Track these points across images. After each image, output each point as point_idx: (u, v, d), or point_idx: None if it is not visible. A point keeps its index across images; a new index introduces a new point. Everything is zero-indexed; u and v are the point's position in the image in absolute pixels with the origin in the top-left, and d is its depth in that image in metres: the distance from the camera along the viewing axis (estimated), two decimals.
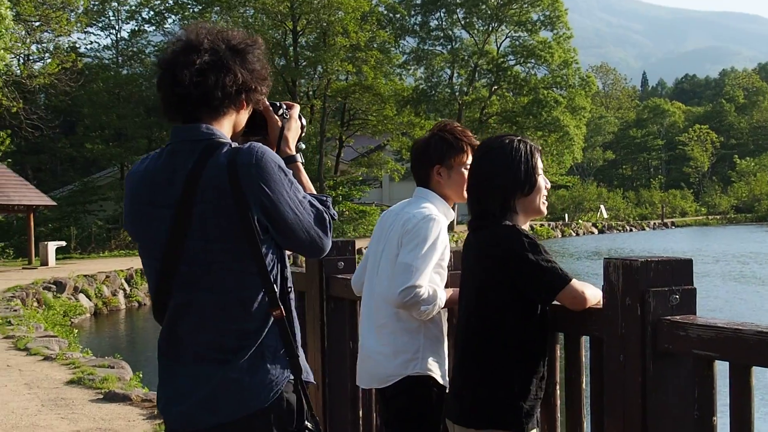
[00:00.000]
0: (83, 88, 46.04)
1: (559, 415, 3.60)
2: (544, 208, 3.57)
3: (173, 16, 52.24)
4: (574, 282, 3.31)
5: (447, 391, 3.94)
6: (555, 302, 3.38)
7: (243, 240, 2.92)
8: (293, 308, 3.10)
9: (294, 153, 3.33)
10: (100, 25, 55.82)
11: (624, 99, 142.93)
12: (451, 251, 4.04)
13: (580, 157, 72.19)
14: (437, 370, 4.00)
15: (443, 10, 61.99)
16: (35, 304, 23.37)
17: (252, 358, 2.96)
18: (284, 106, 3.40)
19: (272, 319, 3.00)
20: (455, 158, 4.09)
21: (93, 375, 11.31)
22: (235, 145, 3.01)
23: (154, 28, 53.98)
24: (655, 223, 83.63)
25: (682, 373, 3.01)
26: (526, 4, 60.17)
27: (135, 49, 55.95)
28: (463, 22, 62.22)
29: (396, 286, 3.83)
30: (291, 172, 3.05)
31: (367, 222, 52.97)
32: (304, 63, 51.86)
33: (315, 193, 3.18)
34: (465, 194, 4.09)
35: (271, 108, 3.34)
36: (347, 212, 54.67)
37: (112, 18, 56.22)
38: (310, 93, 54.27)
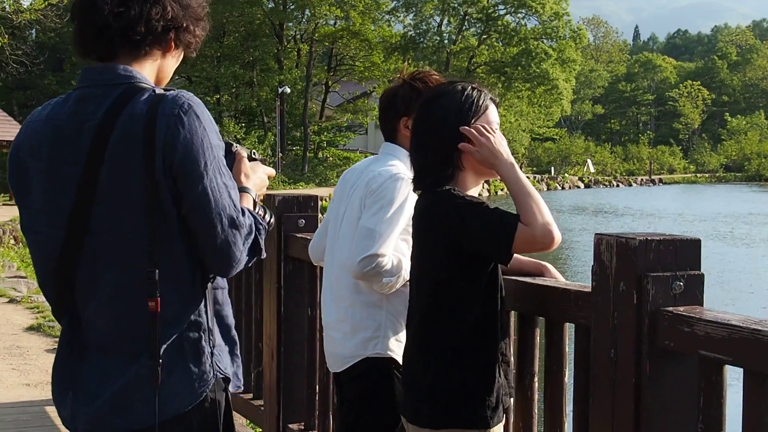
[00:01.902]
0: (70, 24, 45.47)
1: (536, 410, 3.13)
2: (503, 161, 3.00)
3: None
4: (522, 225, 2.76)
5: None
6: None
7: (155, 208, 2.41)
8: (220, 296, 2.62)
9: (248, 186, 2.73)
10: None
11: (615, 53, 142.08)
12: None
13: (568, 109, 71.76)
14: (400, 351, 3.47)
15: None
16: (12, 241, 22.79)
17: (169, 352, 2.45)
18: (257, 158, 2.90)
19: (194, 306, 2.50)
20: None
21: (53, 322, 10.82)
22: (159, 91, 2.49)
23: None
24: (642, 180, 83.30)
25: (685, 377, 2.52)
26: None
27: None
28: None
29: (356, 253, 3.33)
30: (221, 147, 2.52)
31: None
32: (293, 6, 51.46)
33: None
34: None
35: (245, 156, 2.81)
36: (331, 158, 54.52)
37: None
38: (297, 37, 53.91)
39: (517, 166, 2.90)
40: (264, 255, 2.64)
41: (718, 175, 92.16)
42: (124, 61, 2.54)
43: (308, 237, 4.49)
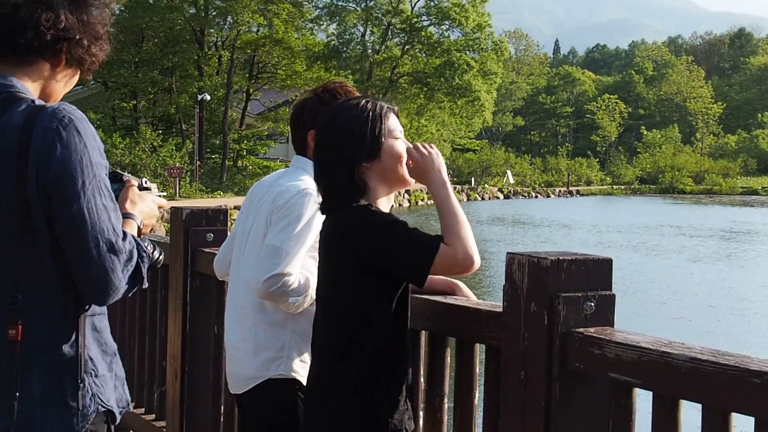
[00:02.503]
0: None
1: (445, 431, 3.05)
2: (407, 176, 2.91)
3: None
4: (443, 246, 2.70)
5: None
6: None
7: (26, 228, 2.25)
8: (98, 322, 2.46)
9: (133, 213, 2.58)
10: None
11: (535, 65, 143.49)
12: None
13: (490, 121, 72.28)
14: (304, 372, 3.35)
15: None
16: None
17: (43, 384, 2.29)
18: (149, 187, 2.76)
19: (66, 335, 2.32)
20: None
21: None
22: (39, 102, 2.34)
23: None
24: (560, 191, 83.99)
25: (595, 399, 2.47)
26: None
27: None
28: None
29: (261, 272, 3.21)
30: (103, 165, 2.35)
31: None
32: (214, 12, 50.96)
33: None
34: None
35: (135, 185, 2.67)
36: (250, 167, 54.09)
37: None
38: (219, 43, 53.41)
39: (449, 186, 2.83)
40: (146, 285, 2.47)
41: (633, 187, 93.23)
42: (6, 69, 2.38)
43: (216, 252, 4.34)
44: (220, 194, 45.20)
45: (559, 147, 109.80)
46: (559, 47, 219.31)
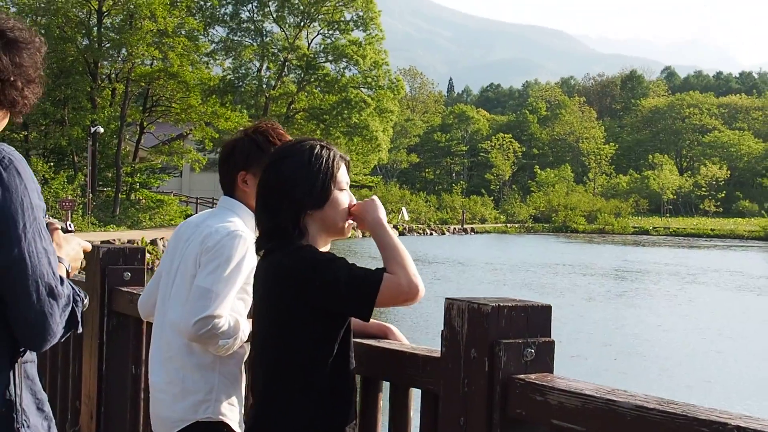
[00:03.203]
0: None
1: None
2: (345, 228, 2.95)
3: None
4: (386, 275, 2.73)
5: None
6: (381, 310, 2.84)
7: None
8: (30, 370, 2.42)
9: (60, 256, 2.58)
10: None
11: (430, 103, 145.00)
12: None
13: (386, 158, 72.65)
14: (233, 415, 3.36)
15: (256, 2, 61.38)
16: None
17: None
18: (72, 230, 2.78)
19: (10, 380, 2.30)
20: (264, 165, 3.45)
21: None
22: None
23: None
24: (455, 228, 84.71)
25: None
26: (339, 3, 60.24)
27: None
28: (274, 16, 61.71)
29: (190, 314, 3.17)
30: (42, 208, 2.35)
31: (164, 212, 52.74)
32: (108, 45, 50.50)
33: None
34: None
35: (59, 228, 2.68)
36: (144, 200, 53.56)
37: None
38: (113, 76, 52.88)
39: (386, 225, 2.88)
40: (80, 329, 2.46)
41: (527, 225, 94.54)
42: None
43: (134, 291, 4.28)
44: (113, 228, 44.58)
45: (453, 185, 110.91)
46: (453, 85, 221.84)
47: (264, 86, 61.40)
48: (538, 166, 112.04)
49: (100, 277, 4.36)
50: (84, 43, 50.20)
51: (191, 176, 68.75)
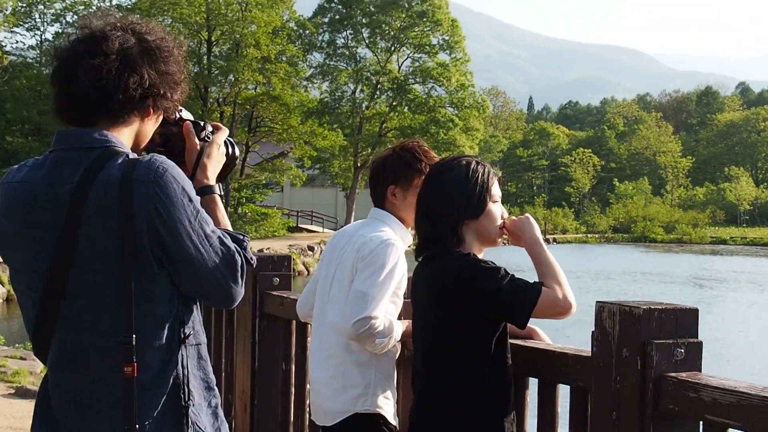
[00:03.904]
0: (7, 84, 45.82)
1: None
2: (497, 239, 3.05)
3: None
4: (545, 289, 2.80)
5: (399, 430, 3.47)
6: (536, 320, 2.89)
7: (133, 273, 2.30)
8: (203, 351, 2.51)
9: (212, 183, 2.66)
10: (26, 26, 55.75)
11: (512, 121, 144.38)
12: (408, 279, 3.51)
13: None
14: (388, 408, 3.47)
15: (350, 29, 61.87)
16: None
17: (150, 416, 2.35)
18: (210, 129, 2.76)
19: (173, 368, 2.39)
20: (412, 179, 3.53)
21: (4, 367, 10.45)
22: (133, 156, 2.39)
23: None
24: None
25: None
26: (427, 28, 60.42)
27: None
28: (367, 42, 62.12)
29: (349, 316, 3.28)
30: (198, 199, 2.43)
31: (268, 224, 54.01)
32: (217, 71, 51.61)
33: (231, 229, 2.56)
34: None
35: (192, 128, 2.71)
36: (250, 214, 54.47)
37: (37, 20, 56.21)
38: (221, 100, 53.91)
39: (542, 243, 2.96)
40: (254, 264, 2.56)
41: (606, 235, 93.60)
42: (102, 126, 2.44)
43: (283, 295, 4.41)
44: None
45: (535, 197, 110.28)
46: (533, 104, 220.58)
47: (358, 107, 61.79)
48: (616, 179, 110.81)
49: (252, 283, 4.49)
50: (195, 70, 51.32)
51: (291, 191, 69.55)
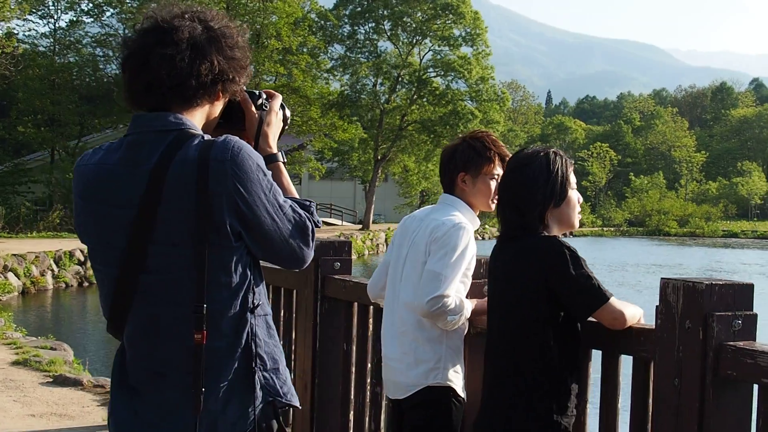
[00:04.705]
0: (19, 73, 44.95)
1: None
2: (576, 222, 3.28)
3: (111, 9, 51.03)
4: (614, 300, 3.02)
5: (467, 402, 3.70)
6: (591, 319, 3.09)
7: (211, 247, 2.44)
8: (267, 324, 2.64)
9: (275, 151, 2.79)
10: (39, 13, 54.48)
11: (530, 115, 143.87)
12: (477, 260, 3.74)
13: None
14: (457, 381, 3.70)
15: (371, 22, 61.72)
16: None
17: (225, 382, 2.50)
18: (264, 96, 2.86)
19: (245, 335, 2.52)
20: (481, 167, 3.77)
21: (39, 357, 10.68)
22: (208, 137, 2.52)
23: (91, 20, 52.52)
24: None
25: (743, 403, 2.75)
26: (449, 21, 60.13)
27: (72, 39, 54.00)
28: (389, 34, 61.95)
29: (424, 294, 3.51)
30: (270, 172, 2.57)
31: None
32: None
33: (297, 197, 2.70)
34: (490, 204, 3.80)
35: (249, 98, 2.81)
36: None
37: (51, 7, 54.92)
38: None
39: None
40: (320, 224, 2.70)
41: (622, 229, 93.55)
42: (176, 110, 2.55)
43: (345, 278, 4.62)
44: None
45: None
46: (551, 98, 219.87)
47: (378, 100, 61.72)
48: (632, 174, 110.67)
49: (314, 267, 4.70)
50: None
51: (309, 184, 69.51)
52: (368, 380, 4.57)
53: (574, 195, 3.26)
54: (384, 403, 4.48)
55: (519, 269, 3.12)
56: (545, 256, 3.04)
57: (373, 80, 62.86)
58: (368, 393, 4.57)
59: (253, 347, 2.54)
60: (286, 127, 2.93)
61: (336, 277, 4.68)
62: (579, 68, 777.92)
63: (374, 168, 60.15)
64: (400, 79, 61.36)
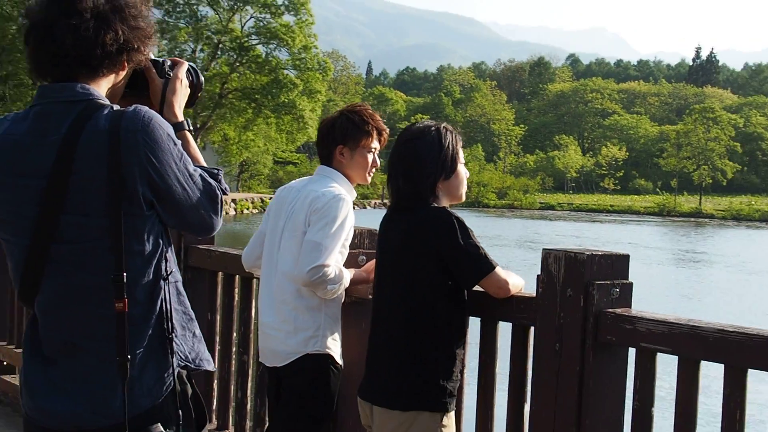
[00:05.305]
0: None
1: (465, 398, 3.47)
2: (463, 195, 3.44)
3: None
4: (499, 269, 3.19)
5: (344, 369, 3.81)
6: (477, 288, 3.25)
7: (124, 216, 2.47)
8: (178, 291, 2.68)
9: (180, 119, 2.81)
10: None
11: (351, 86, 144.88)
12: (356, 230, 3.85)
13: (314, 136, 72.78)
14: (336, 349, 3.82)
15: None
16: None
17: (140, 349, 2.54)
18: (168, 63, 2.86)
19: (159, 302, 2.57)
20: (359, 140, 3.88)
21: None
22: (117, 107, 2.53)
23: None
24: (375, 203, 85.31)
25: (622, 365, 2.97)
26: None
27: None
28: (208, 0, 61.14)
29: (304, 264, 3.61)
30: (180, 141, 2.61)
31: None
32: None
33: (205, 165, 2.75)
34: (367, 176, 3.92)
35: (153, 66, 2.81)
36: None
37: None
38: None
39: None
40: (228, 191, 2.76)
41: None
42: (82, 81, 2.56)
43: (210, 248, 4.66)
44: None
45: None
46: (371, 68, 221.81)
47: (198, 67, 60.80)
48: None
49: (177, 237, 4.72)
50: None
51: None
52: (234, 350, 4.63)
53: (463, 169, 3.41)
54: (251, 371, 4.56)
55: (411, 239, 3.24)
56: (436, 226, 3.18)
57: (192, 46, 61.91)
58: (234, 362, 4.63)
59: (167, 314, 2.59)
60: (199, 93, 2.95)
61: (200, 247, 4.71)
62: (399, 40, 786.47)
63: (194, 136, 59.23)
64: (220, 45, 60.68)
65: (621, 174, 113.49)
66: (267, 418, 4.26)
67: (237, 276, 4.60)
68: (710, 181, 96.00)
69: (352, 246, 3.82)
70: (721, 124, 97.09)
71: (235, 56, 60.76)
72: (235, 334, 4.63)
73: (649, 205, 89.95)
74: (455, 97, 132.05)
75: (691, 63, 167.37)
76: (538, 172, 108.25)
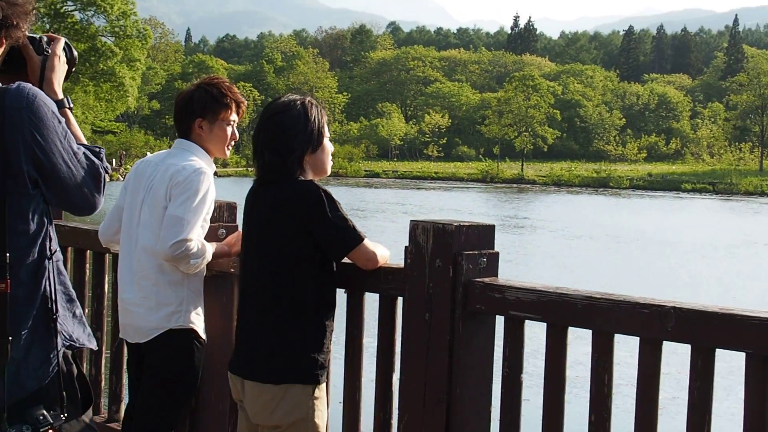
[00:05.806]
0: None
1: (333, 370, 3.49)
2: (329, 168, 3.44)
3: None
4: (367, 241, 3.22)
5: (207, 343, 3.77)
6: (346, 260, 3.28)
7: (10, 194, 2.46)
8: (59, 270, 2.67)
9: (60, 97, 2.79)
10: None
11: (170, 53, 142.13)
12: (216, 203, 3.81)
13: (134, 105, 71.31)
14: (199, 323, 3.78)
15: None
16: None
17: (25, 330, 2.52)
18: (45, 39, 2.83)
19: (43, 282, 2.56)
20: (218, 113, 3.82)
21: None
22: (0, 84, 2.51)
23: None
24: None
25: (490, 333, 3.05)
26: None
27: None
28: None
29: (166, 238, 3.55)
30: (64, 119, 2.60)
31: None
32: None
33: (86, 143, 2.72)
34: (226, 150, 3.88)
35: (30, 43, 2.77)
36: None
37: None
38: None
39: None
40: (109, 170, 2.76)
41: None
42: None
43: (60, 223, 4.49)
44: None
45: None
46: (190, 36, 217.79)
47: None
48: None
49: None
50: None
51: None
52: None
53: (328, 143, 3.41)
54: (105, 348, 4.47)
55: (278, 213, 3.23)
56: (304, 199, 3.18)
57: None
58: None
59: (51, 294, 2.58)
60: (73, 69, 2.90)
61: (60, 223, 4.54)
62: (218, 6, 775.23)
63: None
64: (33, 11, 58.42)
65: (444, 141, 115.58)
66: (125, 396, 4.20)
67: (89, 251, 4.49)
68: (531, 147, 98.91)
69: (212, 220, 3.78)
70: (541, 92, 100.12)
71: (50, 23, 58.70)
72: (87, 310, 4.52)
73: (473, 171, 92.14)
74: (277, 65, 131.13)
75: (509, 31, 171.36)
76: (363, 140, 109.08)
